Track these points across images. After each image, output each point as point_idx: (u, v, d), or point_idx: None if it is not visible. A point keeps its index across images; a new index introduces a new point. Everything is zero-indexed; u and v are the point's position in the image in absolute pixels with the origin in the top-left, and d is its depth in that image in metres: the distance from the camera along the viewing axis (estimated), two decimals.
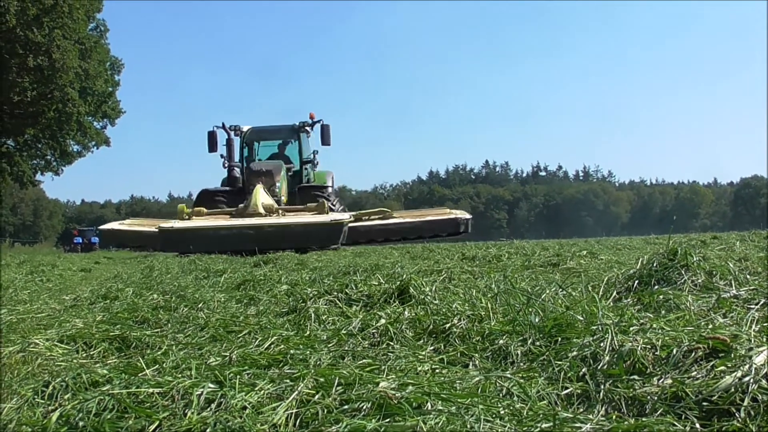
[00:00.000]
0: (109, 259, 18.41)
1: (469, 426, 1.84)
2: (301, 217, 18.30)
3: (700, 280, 3.87)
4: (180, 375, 2.38)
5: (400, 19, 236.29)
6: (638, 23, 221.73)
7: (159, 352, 3.12)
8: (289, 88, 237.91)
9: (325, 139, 21.92)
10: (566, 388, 2.29)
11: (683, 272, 3.96)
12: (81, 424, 2.00)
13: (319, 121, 22.21)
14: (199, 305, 4.75)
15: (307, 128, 22.66)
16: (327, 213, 18.47)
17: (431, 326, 3.34)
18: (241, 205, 18.44)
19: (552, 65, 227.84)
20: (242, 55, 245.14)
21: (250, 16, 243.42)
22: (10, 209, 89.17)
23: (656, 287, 3.84)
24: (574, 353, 2.54)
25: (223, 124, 21.81)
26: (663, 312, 3.22)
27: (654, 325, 2.68)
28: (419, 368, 2.61)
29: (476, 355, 2.89)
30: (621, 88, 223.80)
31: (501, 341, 2.95)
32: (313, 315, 3.90)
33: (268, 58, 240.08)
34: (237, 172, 21.56)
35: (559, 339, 2.82)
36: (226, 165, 21.53)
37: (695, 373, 2.15)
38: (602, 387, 2.21)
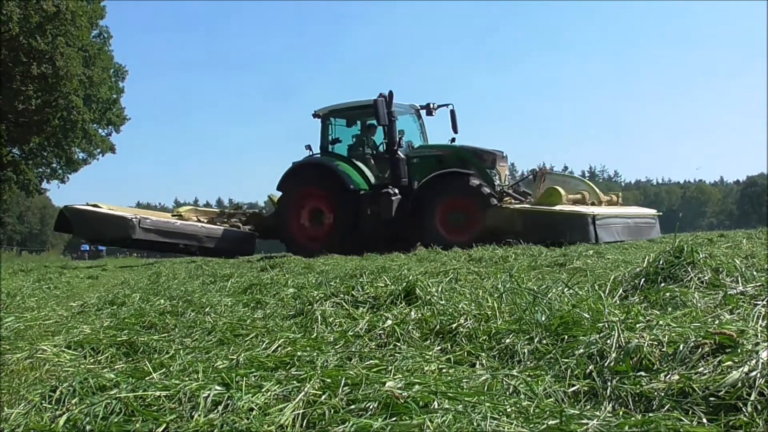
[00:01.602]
0: (117, 267, 18.35)
1: (475, 424, 1.84)
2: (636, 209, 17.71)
3: (706, 277, 3.86)
4: (187, 378, 2.38)
5: (404, 24, 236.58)
6: (644, 21, 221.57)
7: (166, 356, 3.13)
8: (294, 92, 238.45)
9: (455, 127, 18.56)
10: (573, 385, 2.29)
11: (690, 269, 3.95)
12: (88, 428, 2.01)
13: (447, 105, 18.80)
14: (206, 310, 4.75)
15: (433, 111, 19.04)
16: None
17: (438, 326, 3.35)
18: (577, 196, 16.30)
19: (557, 64, 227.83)
20: (247, 60, 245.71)
21: (255, 21, 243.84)
22: (17, 218, 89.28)
23: (663, 285, 3.82)
24: (581, 351, 2.54)
25: (390, 92, 17.22)
26: (669, 309, 3.22)
27: (660, 322, 2.68)
28: (426, 368, 2.61)
29: (483, 354, 2.89)
30: (626, 87, 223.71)
31: (508, 340, 2.95)
32: (319, 317, 3.90)
33: (273, 64, 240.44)
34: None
35: (566, 337, 2.82)
36: (399, 147, 17.54)
37: (702, 368, 2.15)
38: (609, 384, 2.21)
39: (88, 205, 18.23)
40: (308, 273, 8.15)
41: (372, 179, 17.56)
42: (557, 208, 15.16)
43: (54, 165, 42.20)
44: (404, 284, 4.39)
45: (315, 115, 18.76)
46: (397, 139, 17.49)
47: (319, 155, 18.44)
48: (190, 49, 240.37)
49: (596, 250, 9.65)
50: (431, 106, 18.90)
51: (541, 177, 17.11)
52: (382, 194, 16.86)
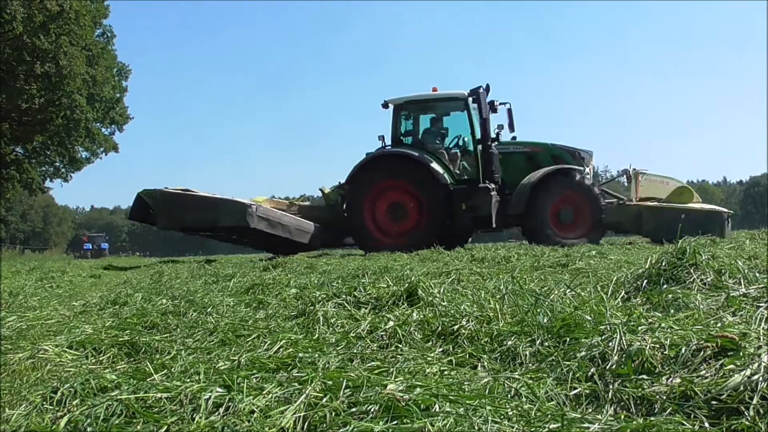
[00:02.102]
0: (119, 266, 18.30)
1: (476, 427, 1.84)
2: None
3: (709, 279, 3.86)
4: (188, 379, 2.38)
5: (403, 23, 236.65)
6: (643, 20, 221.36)
7: (168, 357, 3.13)
8: (295, 93, 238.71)
9: (513, 125, 17.78)
10: (575, 388, 2.28)
11: (692, 271, 3.94)
12: (89, 429, 2.01)
13: (505, 104, 17.75)
14: (208, 310, 4.76)
15: (496, 108, 17.81)
16: None
17: (440, 328, 3.34)
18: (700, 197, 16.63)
19: (558, 65, 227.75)
20: (250, 59, 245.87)
21: (257, 21, 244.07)
22: (20, 216, 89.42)
23: (665, 286, 3.82)
24: (583, 353, 2.54)
25: (488, 85, 17.14)
26: (672, 311, 3.21)
27: (663, 325, 2.67)
28: (428, 370, 2.61)
29: (485, 356, 2.89)
30: (627, 86, 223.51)
31: (509, 342, 2.95)
32: (321, 318, 3.89)
33: (275, 63, 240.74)
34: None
35: (568, 339, 2.81)
36: (495, 141, 17.09)
37: (704, 371, 2.14)
38: (611, 387, 2.21)
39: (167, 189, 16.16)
40: (310, 273, 8.14)
41: (453, 174, 17.03)
42: (696, 206, 15.38)
43: (57, 164, 42.22)
44: (406, 285, 4.39)
45: (385, 105, 17.79)
46: (494, 134, 17.07)
47: (390, 147, 17.51)
48: (192, 48, 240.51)
49: (599, 250, 9.65)
50: (494, 103, 17.95)
51: (636, 177, 16.93)
52: (480, 189, 16.38)
